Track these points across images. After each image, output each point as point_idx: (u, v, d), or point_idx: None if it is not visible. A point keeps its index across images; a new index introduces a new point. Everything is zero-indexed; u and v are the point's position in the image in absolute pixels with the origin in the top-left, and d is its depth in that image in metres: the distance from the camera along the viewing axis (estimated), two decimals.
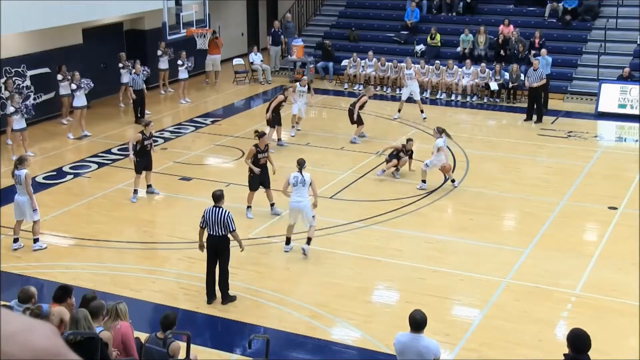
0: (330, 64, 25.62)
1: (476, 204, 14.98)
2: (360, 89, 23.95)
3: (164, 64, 23.52)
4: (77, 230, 13.72)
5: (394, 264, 12.43)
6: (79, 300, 8.22)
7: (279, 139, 18.56)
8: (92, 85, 19.50)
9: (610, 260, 12.47)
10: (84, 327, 7.15)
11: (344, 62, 25.41)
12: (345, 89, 24.68)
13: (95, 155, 18.17)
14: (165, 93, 24.06)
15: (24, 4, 17.09)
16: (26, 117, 18.06)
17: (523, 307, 11.02)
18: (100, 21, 22.17)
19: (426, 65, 23.80)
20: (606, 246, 13.05)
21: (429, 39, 25.30)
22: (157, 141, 18.01)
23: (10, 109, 17.64)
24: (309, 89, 19.91)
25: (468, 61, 23.48)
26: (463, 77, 23.20)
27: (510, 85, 22.56)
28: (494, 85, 22.70)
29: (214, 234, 10.88)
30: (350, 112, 18.78)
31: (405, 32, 26.21)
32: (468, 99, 23.10)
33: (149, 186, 15.49)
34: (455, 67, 23.39)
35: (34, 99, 19.28)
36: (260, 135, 14.30)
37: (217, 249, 10.96)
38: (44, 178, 16.64)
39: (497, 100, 22.90)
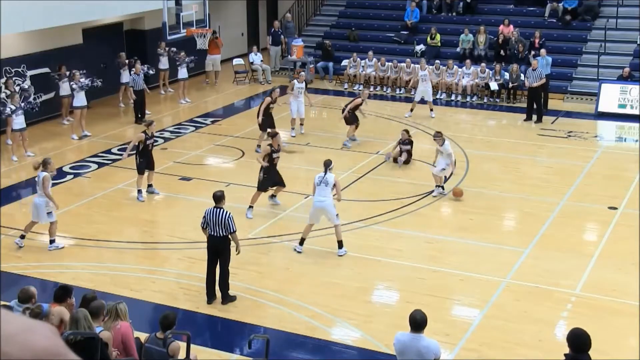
0: (330, 64, 25.62)
1: (476, 204, 14.98)
2: (360, 89, 23.97)
3: (164, 64, 23.53)
4: (77, 230, 13.72)
5: (394, 264, 12.43)
6: (79, 300, 8.22)
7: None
8: (98, 83, 19.51)
9: (610, 260, 12.47)
10: (84, 326, 7.16)
11: (344, 62, 25.41)
12: (345, 88, 24.68)
13: (95, 155, 18.18)
14: (165, 93, 24.06)
15: (24, 4, 17.09)
16: (33, 111, 18.25)
17: (523, 307, 11.02)
18: (100, 21, 22.17)
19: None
20: (606, 246, 13.06)
21: (429, 39, 25.31)
22: (157, 141, 17.99)
23: (11, 109, 17.64)
24: (306, 86, 19.85)
25: (468, 61, 23.48)
26: (463, 77, 23.19)
27: (510, 85, 22.56)
28: (494, 85, 22.70)
29: (215, 234, 10.89)
30: (343, 112, 18.52)
31: (405, 32, 26.21)
32: (468, 99, 23.10)
33: (149, 186, 15.49)
34: (455, 67, 23.38)
35: (34, 99, 19.27)
36: (273, 134, 14.57)
37: (218, 249, 10.97)
38: None
39: (497, 100, 22.90)
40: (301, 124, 19.59)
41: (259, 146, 18.13)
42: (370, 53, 24.77)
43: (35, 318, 5.98)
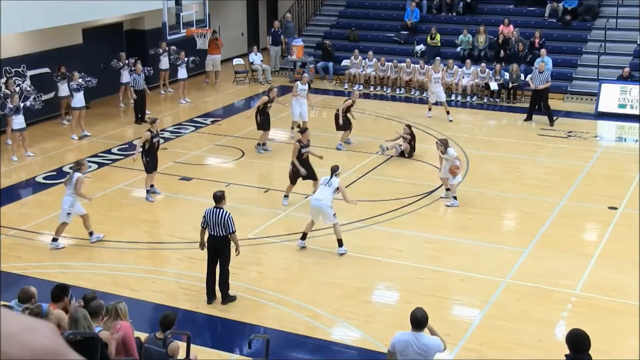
0: (330, 64, 25.61)
1: (476, 204, 14.97)
2: (360, 89, 23.97)
3: (164, 64, 23.52)
4: (77, 230, 13.70)
5: (394, 264, 12.43)
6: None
7: (264, 144, 18.20)
8: (93, 82, 19.56)
9: (610, 260, 12.47)
10: (84, 326, 7.16)
11: (344, 62, 25.41)
12: (346, 88, 24.64)
13: (95, 155, 18.17)
14: (165, 93, 24.06)
15: (24, 4, 17.08)
16: (37, 108, 18.50)
17: (523, 307, 11.01)
18: (100, 21, 22.16)
19: (425, 66, 23.78)
20: (606, 246, 13.05)
21: (429, 39, 25.30)
22: (162, 139, 17.92)
23: (11, 109, 17.65)
24: (309, 87, 19.78)
25: (468, 61, 23.46)
26: (463, 77, 23.19)
27: (510, 85, 22.55)
28: (494, 85, 22.69)
29: (215, 234, 10.90)
30: (336, 117, 18.32)
31: (405, 32, 26.21)
32: (468, 99, 23.10)
33: (151, 186, 15.48)
34: (455, 67, 23.37)
35: (34, 99, 19.26)
36: (302, 130, 15.07)
37: (218, 249, 10.97)
38: (44, 178, 16.65)
39: (497, 100, 22.89)
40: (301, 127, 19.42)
41: (258, 144, 18.14)
42: (370, 53, 24.76)
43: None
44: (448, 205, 14.75)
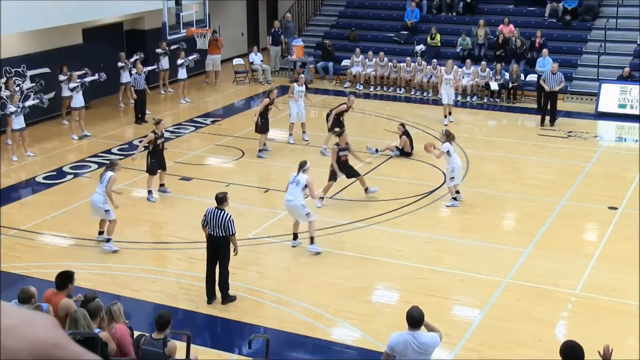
0: (330, 64, 25.60)
1: (476, 204, 14.97)
2: (360, 89, 23.95)
3: (164, 63, 23.52)
4: (77, 230, 13.71)
5: (393, 264, 12.43)
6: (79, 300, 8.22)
7: (264, 144, 18.03)
8: (86, 83, 19.56)
9: (610, 260, 12.46)
10: (83, 326, 7.15)
11: (344, 62, 25.40)
12: (346, 87, 24.63)
13: (95, 155, 18.17)
14: (165, 93, 24.06)
15: (24, 4, 17.08)
16: (43, 105, 18.64)
17: (523, 307, 11.01)
18: (100, 21, 22.16)
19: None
20: (606, 246, 13.05)
21: (429, 39, 25.29)
22: (166, 140, 17.84)
23: (11, 109, 17.64)
24: (307, 88, 19.66)
25: (468, 61, 23.44)
26: (463, 77, 23.17)
27: (511, 85, 22.55)
28: (494, 85, 22.69)
29: (214, 234, 10.89)
30: (327, 118, 18.03)
31: (405, 32, 26.21)
32: (468, 99, 23.09)
33: (161, 185, 15.47)
34: (455, 67, 23.32)
35: (34, 99, 19.26)
36: (339, 133, 15.05)
37: (217, 248, 10.96)
38: (44, 178, 16.65)
39: (497, 100, 22.88)
40: (304, 131, 19.02)
41: (260, 151, 17.93)
42: (370, 53, 24.74)
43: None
44: (448, 206, 14.75)
